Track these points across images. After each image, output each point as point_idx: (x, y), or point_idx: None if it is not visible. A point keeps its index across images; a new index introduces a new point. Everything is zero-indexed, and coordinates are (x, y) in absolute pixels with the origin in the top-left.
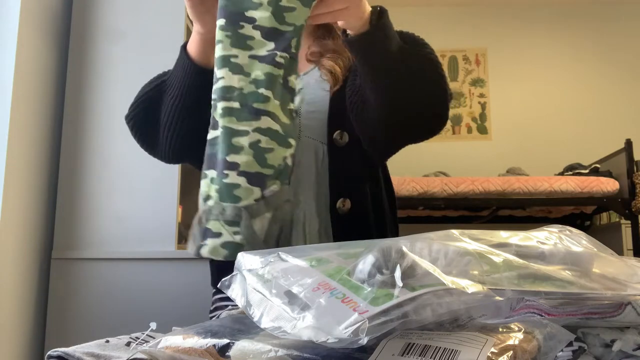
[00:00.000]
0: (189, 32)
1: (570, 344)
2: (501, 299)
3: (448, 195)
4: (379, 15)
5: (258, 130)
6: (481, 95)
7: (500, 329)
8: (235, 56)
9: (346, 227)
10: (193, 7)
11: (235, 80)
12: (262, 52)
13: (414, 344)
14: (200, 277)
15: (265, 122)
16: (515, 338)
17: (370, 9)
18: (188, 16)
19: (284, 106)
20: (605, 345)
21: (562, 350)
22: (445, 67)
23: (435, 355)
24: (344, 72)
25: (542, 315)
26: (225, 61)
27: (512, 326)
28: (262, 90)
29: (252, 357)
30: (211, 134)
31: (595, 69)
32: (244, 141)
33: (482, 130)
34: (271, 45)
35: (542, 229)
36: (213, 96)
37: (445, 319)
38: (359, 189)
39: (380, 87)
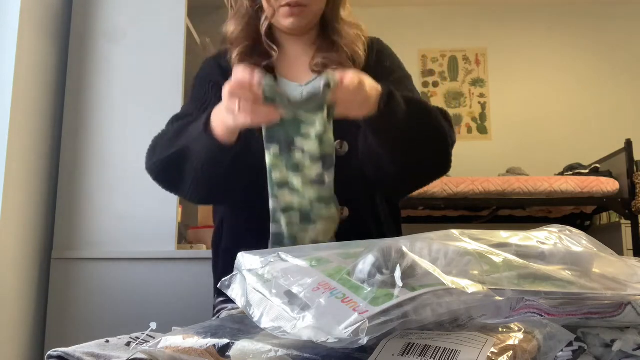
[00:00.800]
0: (189, 32)
1: (570, 344)
2: (501, 299)
3: (448, 195)
4: (387, 100)
5: (314, 234)
6: (481, 95)
7: (500, 329)
8: (291, 182)
9: (344, 235)
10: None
11: (294, 200)
12: (312, 174)
13: (414, 344)
14: (200, 277)
15: (319, 228)
16: (515, 338)
17: (375, 93)
18: (188, 16)
19: (332, 218)
20: (605, 345)
21: (562, 350)
22: (445, 67)
23: (435, 355)
24: None
25: (542, 315)
26: (283, 184)
27: (512, 326)
28: (314, 205)
29: (252, 357)
30: (274, 239)
31: (595, 68)
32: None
33: (482, 130)
34: (319, 167)
35: (542, 229)
36: (274, 212)
37: (445, 319)
38: (357, 197)
39: (389, 152)
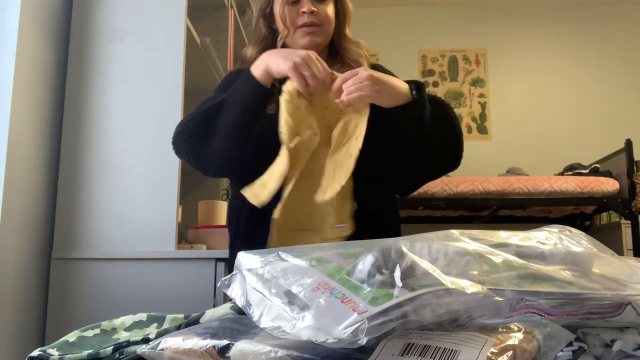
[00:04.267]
0: (189, 32)
1: (570, 344)
2: (501, 299)
3: (448, 195)
4: (418, 89)
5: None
6: (481, 95)
7: (500, 329)
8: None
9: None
10: (294, 71)
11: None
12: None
13: (413, 344)
14: (200, 277)
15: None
16: (515, 338)
17: (406, 85)
18: (188, 16)
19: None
20: (605, 345)
21: (562, 350)
22: (445, 67)
23: (435, 355)
24: None
25: (542, 315)
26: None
27: (512, 326)
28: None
29: (252, 358)
30: None
31: (595, 68)
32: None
33: (482, 130)
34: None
35: (542, 229)
36: None
37: (445, 319)
38: (359, 203)
39: (420, 136)
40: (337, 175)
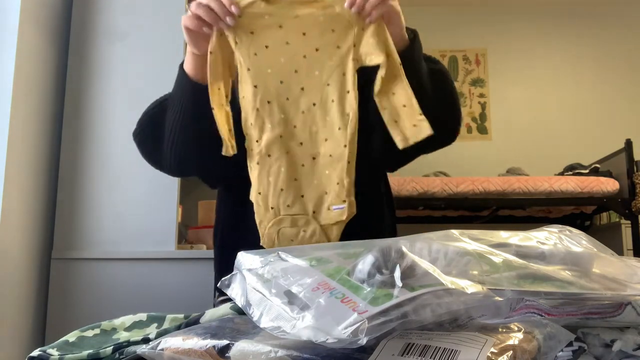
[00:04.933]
0: None
1: (570, 344)
2: (501, 299)
3: (448, 195)
4: (412, 33)
5: None
6: (481, 95)
7: (500, 329)
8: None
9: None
10: (190, 33)
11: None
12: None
13: (413, 344)
14: (200, 277)
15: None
16: (515, 338)
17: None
18: None
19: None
20: (605, 345)
21: (562, 350)
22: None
23: (435, 355)
24: None
25: (542, 315)
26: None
27: (512, 326)
28: None
29: (252, 358)
30: None
31: (595, 68)
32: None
33: (482, 130)
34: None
35: (542, 229)
36: None
37: (445, 319)
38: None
39: (419, 96)
40: (409, 116)
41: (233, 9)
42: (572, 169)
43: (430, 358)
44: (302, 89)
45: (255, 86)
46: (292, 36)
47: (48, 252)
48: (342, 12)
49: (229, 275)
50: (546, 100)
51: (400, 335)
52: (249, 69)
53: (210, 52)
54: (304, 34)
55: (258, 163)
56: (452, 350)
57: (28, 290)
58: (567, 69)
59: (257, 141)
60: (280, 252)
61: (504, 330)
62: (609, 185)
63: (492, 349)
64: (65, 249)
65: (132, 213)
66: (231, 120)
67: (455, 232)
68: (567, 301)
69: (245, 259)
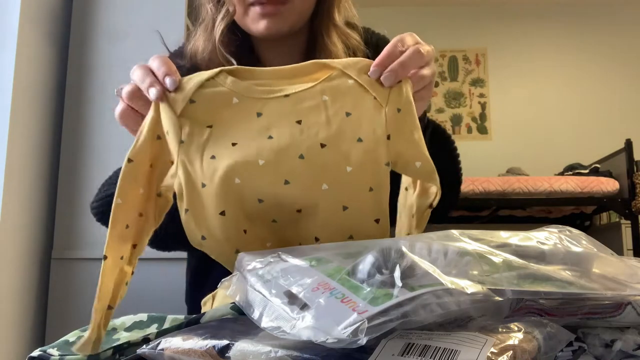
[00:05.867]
0: (189, 32)
1: (570, 344)
2: (501, 299)
3: None
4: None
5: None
6: (481, 95)
7: (500, 329)
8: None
9: None
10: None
11: None
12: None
13: (413, 344)
14: None
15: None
16: (515, 338)
17: None
18: (188, 16)
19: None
20: (605, 345)
21: (562, 350)
22: (445, 67)
23: (435, 355)
24: None
25: (542, 315)
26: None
27: (512, 326)
28: None
29: (252, 358)
30: None
31: (595, 68)
32: None
33: (482, 130)
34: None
35: (542, 229)
36: None
37: (445, 319)
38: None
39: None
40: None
41: (167, 81)
42: (572, 169)
43: (430, 358)
44: (299, 210)
45: (222, 213)
46: (279, 127)
47: (48, 252)
48: (364, 83)
49: (229, 276)
50: (546, 100)
51: (400, 335)
52: (204, 185)
53: (130, 160)
54: (298, 122)
55: None
56: (452, 350)
57: (28, 290)
58: (567, 68)
59: None
60: (280, 253)
61: (504, 330)
62: (609, 185)
63: (492, 349)
64: (65, 249)
65: None
66: (124, 291)
67: (455, 232)
68: (567, 301)
69: (245, 259)
